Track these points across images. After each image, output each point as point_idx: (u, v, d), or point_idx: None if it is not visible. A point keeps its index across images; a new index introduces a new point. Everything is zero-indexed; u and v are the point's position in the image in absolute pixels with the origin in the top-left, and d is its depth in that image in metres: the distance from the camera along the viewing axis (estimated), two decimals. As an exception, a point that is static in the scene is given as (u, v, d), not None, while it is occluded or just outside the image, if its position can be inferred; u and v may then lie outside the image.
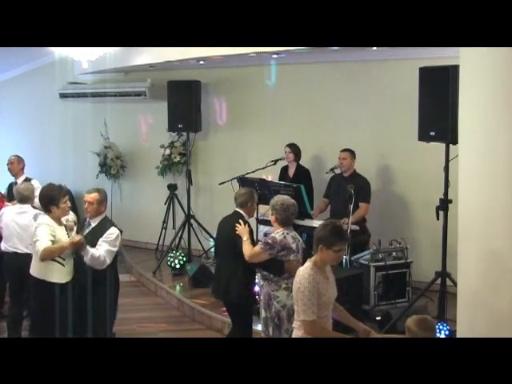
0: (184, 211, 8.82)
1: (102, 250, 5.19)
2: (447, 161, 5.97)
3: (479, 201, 4.18)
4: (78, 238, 5.10)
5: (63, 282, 5.25)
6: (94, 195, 5.37)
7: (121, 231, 5.44)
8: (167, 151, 9.28)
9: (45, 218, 5.26)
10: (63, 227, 5.35)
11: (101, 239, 5.25)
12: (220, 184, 7.66)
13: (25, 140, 10.57)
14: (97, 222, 5.38)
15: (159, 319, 7.04)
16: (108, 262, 5.23)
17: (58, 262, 5.20)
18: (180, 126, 8.69)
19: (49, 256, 5.11)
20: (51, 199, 5.24)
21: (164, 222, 8.82)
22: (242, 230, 5.30)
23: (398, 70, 7.45)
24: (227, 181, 7.51)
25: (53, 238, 5.15)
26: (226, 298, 5.52)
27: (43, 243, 5.07)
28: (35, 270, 5.28)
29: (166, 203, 8.97)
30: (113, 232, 5.30)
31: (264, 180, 7.13)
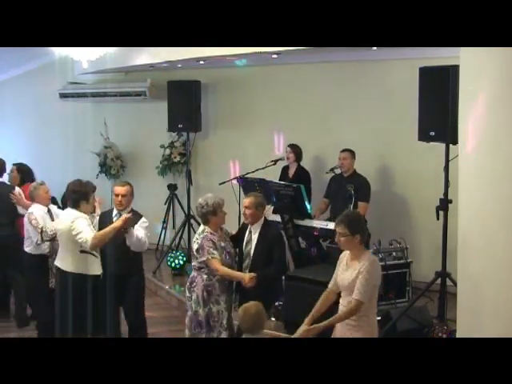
0: (184, 211, 8.82)
1: (141, 233, 5.46)
2: (447, 161, 5.97)
3: (479, 201, 4.18)
4: (127, 215, 5.32)
5: (99, 273, 5.48)
6: (127, 187, 5.63)
7: None
8: (167, 151, 9.28)
9: (76, 213, 5.40)
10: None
11: (137, 225, 5.47)
12: (220, 184, 7.66)
13: (25, 140, 10.56)
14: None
15: (159, 319, 7.03)
16: (147, 244, 5.61)
17: (92, 254, 5.39)
18: (180, 126, 8.69)
19: (102, 241, 5.30)
20: (82, 194, 5.44)
21: (164, 222, 8.82)
22: None
23: (398, 70, 7.45)
24: (227, 181, 7.51)
25: (92, 228, 5.38)
26: None
27: (88, 233, 5.25)
28: (70, 265, 5.42)
29: (165, 203, 8.97)
30: (145, 220, 5.61)
31: (264, 180, 7.12)
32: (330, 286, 4.55)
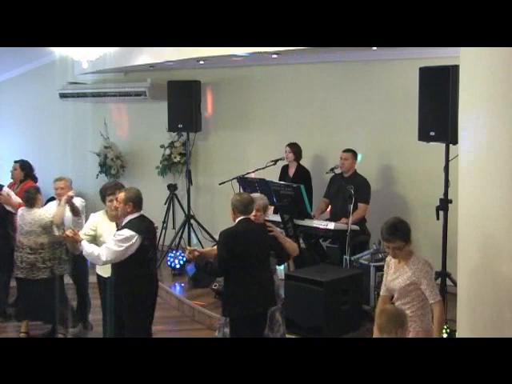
0: (184, 211, 8.82)
1: (102, 247, 5.05)
2: (447, 161, 5.97)
3: (479, 200, 4.17)
4: (67, 232, 5.23)
5: (105, 276, 5.48)
6: (122, 194, 5.15)
7: (144, 238, 5.05)
8: (167, 151, 9.28)
9: (96, 214, 5.68)
10: (114, 224, 5.47)
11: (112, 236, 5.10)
12: (220, 184, 7.67)
13: (25, 140, 10.55)
14: (124, 223, 5.12)
15: (159, 319, 7.02)
16: (104, 259, 4.99)
17: None
18: (180, 126, 8.70)
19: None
20: (101, 196, 5.63)
21: (164, 222, 8.82)
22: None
23: (398, 69, 7.45)
24: (227, 181, 7.52)
25: (93, 232, 5.53)
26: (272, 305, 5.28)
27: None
28: None
29: (165, 203, 8.97)
30: (123, 233, 5.00)
31: (264, 180, 7.12)
32: (381, 292, 4.53)
